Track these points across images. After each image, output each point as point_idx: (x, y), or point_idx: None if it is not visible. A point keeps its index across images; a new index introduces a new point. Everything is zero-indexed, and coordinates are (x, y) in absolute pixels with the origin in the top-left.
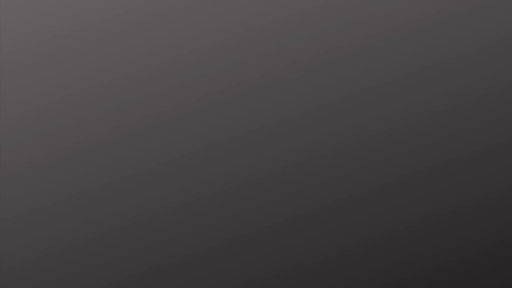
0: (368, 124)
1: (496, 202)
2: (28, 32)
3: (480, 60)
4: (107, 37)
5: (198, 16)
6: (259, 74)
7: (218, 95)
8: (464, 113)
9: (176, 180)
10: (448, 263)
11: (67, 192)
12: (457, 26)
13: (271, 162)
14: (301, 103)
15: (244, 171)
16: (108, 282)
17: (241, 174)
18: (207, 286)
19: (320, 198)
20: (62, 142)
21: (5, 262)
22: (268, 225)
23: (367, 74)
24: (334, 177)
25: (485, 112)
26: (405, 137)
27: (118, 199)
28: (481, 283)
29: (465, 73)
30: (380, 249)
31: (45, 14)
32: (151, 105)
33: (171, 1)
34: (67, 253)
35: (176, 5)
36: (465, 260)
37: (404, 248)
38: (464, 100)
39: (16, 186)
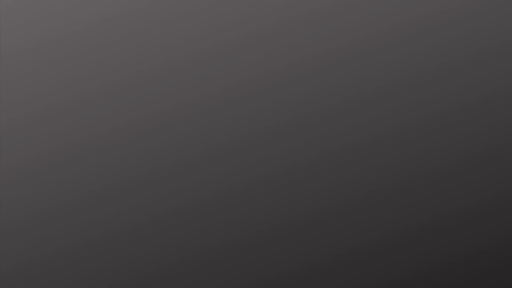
0: (369, 126)
1: (499, 203)
2: (28, 34)
3: (481, 62)
4: (107, 39)
5: (199, 17)
6: (260, 75)
7: (219, 97)
8: (465, 115)
9: (177, 182)
10: (448, 265)
11: (68, 194)
12: (459, 27)
13: (273, 163)
14: (301, 105)
15: (245, 173)
16: (108, 284)
17: (242, 176)
18: None
19: (322, 200)
20: (62, 144)
21: (5, 264)
22: (270, 226)
23: (368, 75)
24: (336, 178)
25: (487, 113)
26: (406, 138)
27: (118, 201)
28: (483, 284)
29: (467, 75)
30: (381, 251)
31: (45, 16)
32: (151, 107)
33: (172, 2)
34: (67, 255)
35: (177, 6)
36: (466, 262)
37: (405, 250)
38: (465, 102)
39: (16, 188)
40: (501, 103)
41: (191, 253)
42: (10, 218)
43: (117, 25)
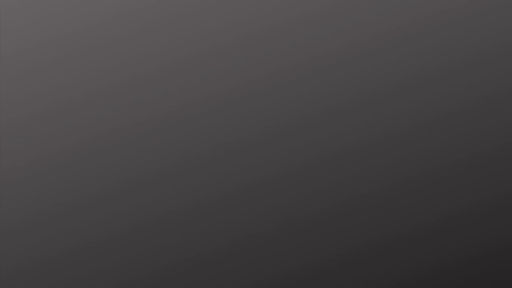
0: (370, 127)
1: (500, 204)
2: (28, 34)
3: (482, 62)
4: (108, 39)
5: (200, 17)
6: (261, 76)
7: (219, 98)
8: (466, 115)
9: (178, 182)
10: (449, 266)
11: (69, 195)
12: (460, 28)
13: (274, 164)
14: (301, 106)
15: (246, 173)
16: (110, 285)
17: (243, 176)
18: None
19: (322, 201)
20: (62, 145)
21: (5, 265)
22: (271, 227)
23: (369, 76)
24: (337, 179)
25: (488, 114)
26: (407, 139)
27: (120, 202)
28: (484, 285)
29: (467, 75)
30: (382, 251)
31: (45, 16)
32: (152, 108)
33: (173, 2)
34: (67, 256)
35: (177, 6)
36: (467, 262)
37: (406, 250)
38: (466, 102)
39: (16, 188)
40: (502, 104)
41: (192, 253)
42: (10, 218)
43: (118, 25)
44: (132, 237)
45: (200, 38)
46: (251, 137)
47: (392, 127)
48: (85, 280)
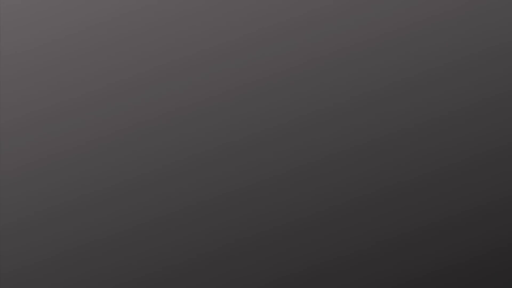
0: (370, 128)
1: (502, 205)
2: (29, 35)
3: (484, 63)
4: (109, 40)
5: (201, 18)
6: (263, 76)
7: (220, 98)
8: (468, 116)
9: (179, 183)
10: (451, 267)
11: (69, 196)
12: (461, 29)
13: (275, 165)
14: (302, 107)
15: (247, 174)
16: (110, 286)
17: (244, 177)
18: None
19: (324, 201)
20: (63, 146)
21: (5, 266)
22: (272, 228)
23: (370, 77)
24: (338, 180)
25: (489, 115)
26: (409, 140)
27: (121, 203)
28: (486, 286)
29: (468, 76)
30: (385, 252)
31: (46, 17)
32: (153, 108)
33: (174, 3)
34: (68, 256)
35: (179, 7)
36: (469, 263)
37: (409, 251)
38: (467, 103)
39: (16, 189)
40: (503, 105)
41: (193, 254)
42: (11, 219)
43: (119, 26)
44: (133, 238)
45: (201, 39)
46: (251, 138)
47: (393, 128)
48: (86, 281)
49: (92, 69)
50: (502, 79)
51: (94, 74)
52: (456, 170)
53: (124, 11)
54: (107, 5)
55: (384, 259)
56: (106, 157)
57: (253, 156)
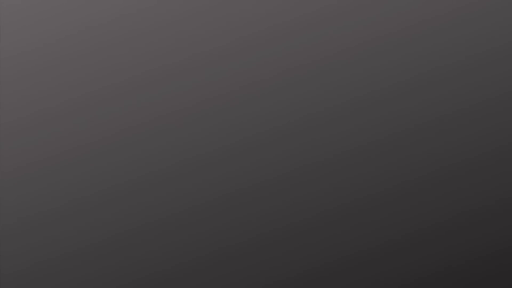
0: (371, 128)
1: (504, 206)
2: (29, 36)
3: (485, 64)
4: (110, 40)
5: (203, 19)
6: (264, 77)
7: (221, 99)
8: (469, 117)
9: (181, 184)
10: (452, 268)
11: (70, 197)
12: (462, 30)
13: (277, 165)
14: (304, 107)
15: (250, 174)
16: (112, 287)
17: (245, 178)
18: None
19: (326, 202)
20: (64, 146)
21: (6, 267)
22: (274, 229)
23: (370, 78)
24: (340, 181)
25: (490, 116)
26: (411, 141)
27: (122, 203)
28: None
29: (469, 77)
30: (386, 253)
31: (47, 18)
32: (153, 109)
33: (175, 4)
34: (69, 258)
35: (180, 8)
36: (471, 264)
37: (410, 252)
38: (468, 104)
39: (16, 190)
40: (505, 106)
41: (195, 255)
42: (11, 220)
43: (120, 27)
44: (134, 239)
45: (202, 40)
46: (253, 139)
47: (395, 129)
48: (87, 282)
49: (92, 70)
50: (504, 79)
51: (95, 75)
52: (458, 171)
53: (124, 12)
54: (107, 6)
55: (386, 260)
56: (106, 158)
57: (254, 157)
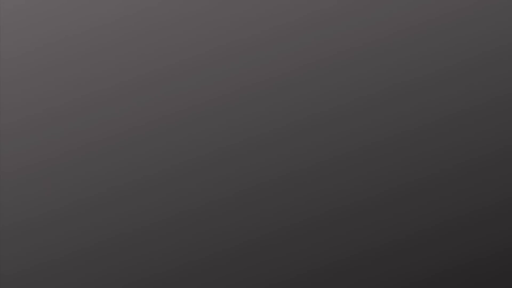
0: (375, 129)
1: (504, 207)
2: (29, 37)
3: (486, 65)
4: (111, 41)
5: (204, 19)
6: (266, 78)
7: (222, 100)
8: (469, 118)
9: (182, 185)
10: (453, 270)
11: (70, 198)
12: (463, 31)
13: (278, 166)
14: (304, 109)
15: (252, 175)
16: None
17: (246, 179)
18: None
19: (327, 203)
20: (64, 148)
21: (6, 269)
22: (275, 230)
23: (372, 78)
24: (342, 182)
25: (491, 117)
26: (412, 142)
27: (123, 205)
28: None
29: (470, 78)
30: (387, 255)
31: (46, 19)
32: (154, 110)
33: (176, 5)
34: (69, 259)
35: (182, 8)
36: (472, 265)
37: (411, 254)
38: (469, 105)
39: (17, 192)
40: (506, 107)
41: (198, 256)
42: (12, 221)
43: (120, 28)
44: (136, 240)
45: (204, 40)
46: (254, 140)
47: (397, 130)
48: (88, 283)
49: (93, 71)
50: (503, 81)
51: (95, 76)
52: (460, 172)
53: (125, 13)
54: (108, 7)
55: (390, 261)
56: (107, 159)
57: (256, 158)
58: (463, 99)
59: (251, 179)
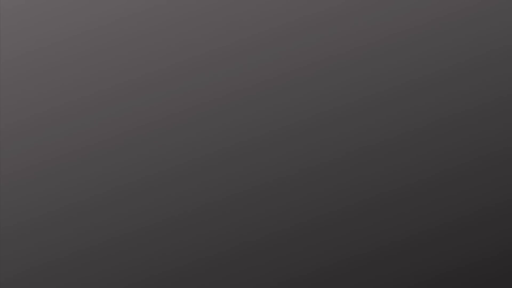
0: (376, 129)
1: (505, 209)
2: (29, 38)
3: (487, 66)
4: (110, 42)
5: (205, 20)
6: (267, 78)
7: (223, 100)
8: (470, 120)
9: (183, 185)
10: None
11: (70, 199)
12: (464, 32)
13: (279, 167)
14: (305, 110)
15: (250, 177)
16: None
17: (247, 180)
18: None
19: (329, 204)
20: (64, 149)
21: (6, 270)
22: (279, 229)
23: (373, 79)
24: (343, 183)
25: (492, 118)
26: (414, 142)
27: (123, 206)
28: None
29: (471, 79)
30: (388, 256)
31: (46, 20)
32: (154, 111)
33: (177, 6)
34: (70, 260)
35: (183, 8)
36: (473, 267)
37: (413, 255)
38: (469, 106)
39: (17, 193)
40: (506, 108)
41: (200, 256)
42: (12, 222)
43: (121, 28)
44: (136, 241)
45: (205, 41)
46: (255, 141)
47: (399, 130)
48: (87, 285)
49: (93, 72)
50: (504, 82)
51: (95, 77)
52: (462, 172)
53: (126, 13)
54: (108, 8)
55: (388, 263)
56: (108, 160)
57: (256, 159)
58: (464, 100)
59: (252, 180)
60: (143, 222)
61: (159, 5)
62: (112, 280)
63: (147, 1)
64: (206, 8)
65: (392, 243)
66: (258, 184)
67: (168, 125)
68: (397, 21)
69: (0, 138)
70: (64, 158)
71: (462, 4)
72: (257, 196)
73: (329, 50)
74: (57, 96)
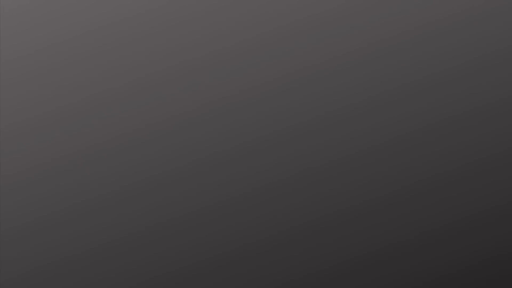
0: (376, 131)
1: (505, 210)
2: (29, 38)
3: (487, 67)
4: (111, 43)
5: (206, 20)
6: (268, 79)
7: (224, 102)
8: (470, 121)
9: (183, 187)
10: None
11: (70, 200)
12: (464, 33)
13: (279, 168)
14: (305, 111)
15: (253, 177)
16: None
17: (248, 181)
18: None
19: (328, 206)
20: (65, 150)
21: (6, 271)
22: (279, 231)
23: (373, 81)
24: (343, 184)
25: (492, 119)
26: (415, 143)
27: (124, 207)
28: None
29: (471, 80)
30: (388, 257)
31: (46, 20)
32: (154, 113)
33: (178, 6)
34: (69, 262)
35: (184, 9)
36: (473, 268)
37: (413, 256)
38: (470, 108)
39: (17, 194)
40: (506, 109)
41: (198, 259)
42: (12, 224)
43: (121, 29)
44: (135, 243)
45: (205, 42)
46: (255, 142)
47: (399, 132)
48: (87, 286)
49: (93, 73)
50: (504, 84)
51: (95, 78)
52: (462, 174)
53: (127, 14)
54: (109, 9)
55: (388, 264)
56: (109, 161)
57: (259, 159)
58: (465, 101)
59: (253, 181)
60: (144, 223)
61: (160, 6)
62: (112, 282)
63: (148, 2)
64: (207, 9)
65: (394, 245)
66: (260, 186)
67: (169, 126)
68: (399, 22)
69: (0, 139)
70: (65, 159)
71: (463, 5)
72: (258, 198)
73: (331, 52)
74: (58, 97)
